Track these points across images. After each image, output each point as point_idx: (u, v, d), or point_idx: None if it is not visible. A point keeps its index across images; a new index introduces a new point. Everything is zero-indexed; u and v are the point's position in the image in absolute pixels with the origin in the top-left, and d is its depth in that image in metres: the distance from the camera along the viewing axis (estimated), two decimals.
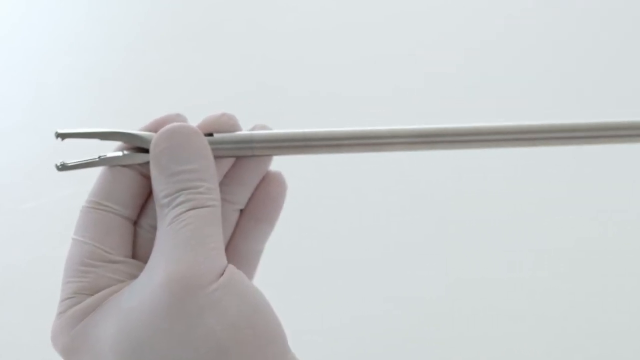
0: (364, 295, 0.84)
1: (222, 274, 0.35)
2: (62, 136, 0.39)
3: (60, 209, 0.92)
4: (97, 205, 0.38)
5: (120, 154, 0.38)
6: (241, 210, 0.41)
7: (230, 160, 0.40)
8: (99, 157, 0.39)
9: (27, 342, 0.80)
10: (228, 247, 0.40)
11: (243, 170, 0.40)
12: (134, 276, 0.36)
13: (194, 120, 0.40)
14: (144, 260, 0.37)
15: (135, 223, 0.39)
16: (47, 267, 0.87)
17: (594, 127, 0.40)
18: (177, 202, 0.36)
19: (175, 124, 0.38)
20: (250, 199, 0.41)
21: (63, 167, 0.39)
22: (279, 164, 0.41)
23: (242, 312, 0.34)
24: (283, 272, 0.84)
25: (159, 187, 0.37)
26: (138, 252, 0.38)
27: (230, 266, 0.36)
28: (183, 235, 0.35)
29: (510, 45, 1.14)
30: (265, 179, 0.41)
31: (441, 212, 0.92)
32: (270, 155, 0.40)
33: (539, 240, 0.89)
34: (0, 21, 1.24)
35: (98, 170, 0.39)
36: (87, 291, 0.36)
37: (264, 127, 0.40)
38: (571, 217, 0.91)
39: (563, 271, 0.86)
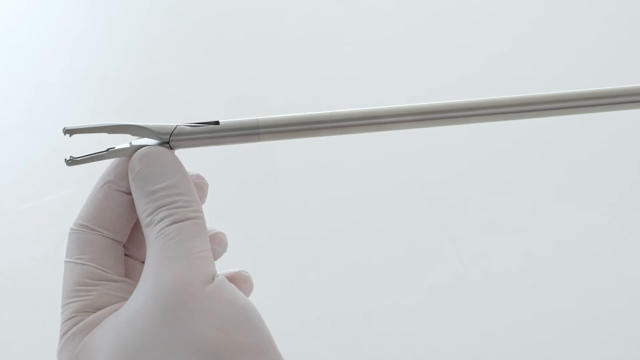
0: (370, 292, 0.84)
1: (212, 282, 0.35)
2: (70, 132, 0.38)
3: (60, 209, 0.91)
4: (87, 229, 0.38)
5: (128, 145, 0.38)
6: None
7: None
8: (108, 150, 0.38)
9: (27, 342, 0.80)
10: None
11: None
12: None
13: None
14: (137, 280, 0.37)
15: (125, 246, 0.39)
16: (47, 267, 0.87)
17: (595, 95, 0.41)
18: (158, 218, 0.36)
19: (147, 146, 0.38)
20: None
21: (72, 162, 0.39)
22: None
23: (233, 319, 0.34)
24: (291, 268, 0.84)
25: (141, 208, 0.37)
26: (130, 273, 0.39)
27: (221, 275, 0.36)
28: (168, 248, 0.35)
29: (520, 58, 1.14)
30: (235, 278, 0.40)
31: (452, 212, 0.92)
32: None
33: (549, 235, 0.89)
34: (0, 21, 1.24)
35: (97, 171, 0.39)
36: (90, 309, 0.36)
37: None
38: (579, 210, 0.91)
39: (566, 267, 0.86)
